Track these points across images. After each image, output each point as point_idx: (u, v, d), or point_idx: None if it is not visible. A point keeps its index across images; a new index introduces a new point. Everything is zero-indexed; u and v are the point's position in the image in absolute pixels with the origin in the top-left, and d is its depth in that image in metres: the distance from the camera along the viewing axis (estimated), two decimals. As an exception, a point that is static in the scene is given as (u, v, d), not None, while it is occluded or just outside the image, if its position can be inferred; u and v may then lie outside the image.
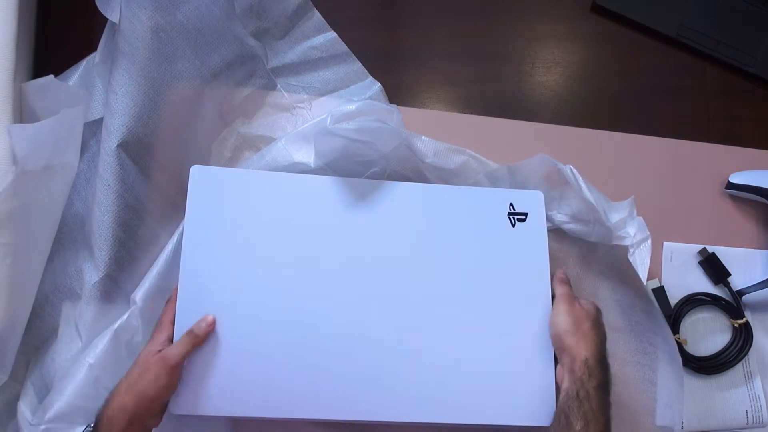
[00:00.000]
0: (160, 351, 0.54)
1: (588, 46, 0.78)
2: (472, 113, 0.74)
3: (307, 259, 0.60)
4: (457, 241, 0.63)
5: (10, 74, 0.59)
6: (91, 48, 0.67)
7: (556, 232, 0.68)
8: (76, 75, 0.67)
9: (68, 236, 0.63)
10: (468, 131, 0.72)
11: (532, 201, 0.65)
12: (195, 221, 0.60)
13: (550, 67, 0.77)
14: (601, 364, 0.56)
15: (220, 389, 0.57)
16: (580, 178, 0.63)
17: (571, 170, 0.64)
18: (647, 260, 0.63)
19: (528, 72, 0.77)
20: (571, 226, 0.67)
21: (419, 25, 0.76)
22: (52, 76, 0.61)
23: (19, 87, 0.61)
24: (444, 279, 0.62)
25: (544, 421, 0.59)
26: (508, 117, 0.74)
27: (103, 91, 0.65)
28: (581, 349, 0.56)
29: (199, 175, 0.61)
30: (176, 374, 0.55)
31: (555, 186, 0.66)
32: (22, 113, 0.61)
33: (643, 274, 0.63)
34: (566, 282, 0.63)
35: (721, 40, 0.77)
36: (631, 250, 0.63)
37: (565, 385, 0.56)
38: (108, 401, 0.53)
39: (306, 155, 0.65)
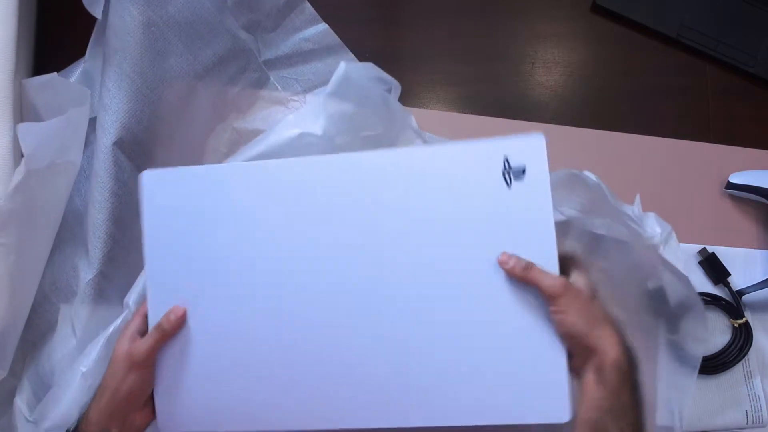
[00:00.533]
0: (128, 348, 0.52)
1: (588, 46, 0.78)
2: (472, 113, 0.74)
3: (282, 256, 0.54)
4: (447, 217, 0.52)
5: (10, 74, 0.59)
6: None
7: (559, 225, 0.67)
8: (77, 72, 0.67)
9: (68, 233, 0.63)
10: (468, 131, 0.72)
11: (531, 150, 0.51)
12: (155, 229, 0.54)
13: (550, 67, 0.77)
14: (630, 362, 0.48)
15: (201, 405, 0.53)
16: (605, 188, 0.62)
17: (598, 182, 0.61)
18: (679, 252, 0.63)
19: (528, 72, 0.76)
20: (579, 217, 0.64)
21: (419, 25, 0.76)
22: (55, 73, 0.61)
23: (19, 85, 0.61)
24: (435, 265, 0.52)
25: (557, 417, 0.51)
26: (508, 117, 0.74)
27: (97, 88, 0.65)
28: (608, 348, 0.47)
29: (151, 181, 0.55)
30: (147, 369, 0.53)
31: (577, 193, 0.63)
32: (23, 111, 0.61)
33: (682, 267, 0.61)
34: (577, 257, 0.52)
35: (721, 40, 0.77)
36: (662, 247, 0.63)
37: (594, 394, 0.47)
38: (86, 405, 0.52)
39: (313, 125, 0.62)
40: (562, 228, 0.67)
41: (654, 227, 0.64)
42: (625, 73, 0.77)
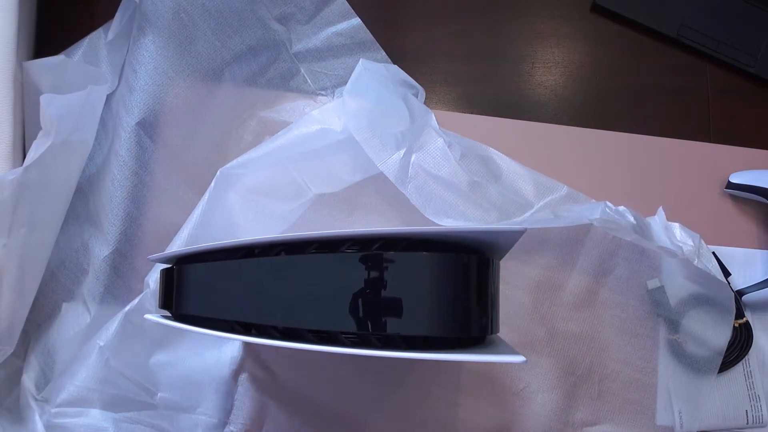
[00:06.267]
0: None
1: (588, 46, 0.78)
2: (472, 113, 0.74)
3: None
4: None
5: (10, 74, 0.59)
6: (92, 28, 0.67)
7: (579, 229, 0.66)
8: (79, 52, 0.67)
9: (71, 212, 0.64)
10: (468, 131, 0.72)
11: None
12: None
13: (550, 67, 0.77)
14: None
15: None
16: (645, 224, 0.62)
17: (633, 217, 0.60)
18: (713, 260, 0.64)
19: (528, 72, 0.77)
20: (605, 224, 0.62)
21: (419, 25, 0.76)
22: (63, 55, 0.62)
23: (20, 82, 0.61)
24: None
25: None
26: (508, 117, 0.74)
27: (110, 68, 0.66)
28: None
29: None
30: None
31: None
32: (26, 95, 0.61)
33: (720, 276, 0.63)
34: None
35: (721, 40, 0.77)
36: (696, 259, 0.63)
37: None
38: None
39: (335, 122, 0.62)
40: (582, 231, 0.66)
41: (686, 240, 0.65)
42: (625, 73, 0.77)
